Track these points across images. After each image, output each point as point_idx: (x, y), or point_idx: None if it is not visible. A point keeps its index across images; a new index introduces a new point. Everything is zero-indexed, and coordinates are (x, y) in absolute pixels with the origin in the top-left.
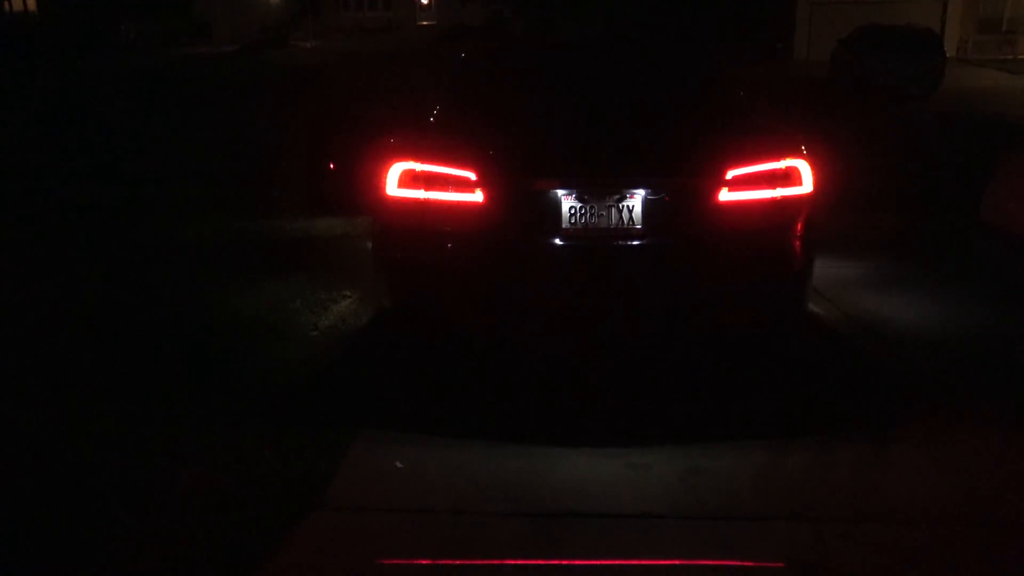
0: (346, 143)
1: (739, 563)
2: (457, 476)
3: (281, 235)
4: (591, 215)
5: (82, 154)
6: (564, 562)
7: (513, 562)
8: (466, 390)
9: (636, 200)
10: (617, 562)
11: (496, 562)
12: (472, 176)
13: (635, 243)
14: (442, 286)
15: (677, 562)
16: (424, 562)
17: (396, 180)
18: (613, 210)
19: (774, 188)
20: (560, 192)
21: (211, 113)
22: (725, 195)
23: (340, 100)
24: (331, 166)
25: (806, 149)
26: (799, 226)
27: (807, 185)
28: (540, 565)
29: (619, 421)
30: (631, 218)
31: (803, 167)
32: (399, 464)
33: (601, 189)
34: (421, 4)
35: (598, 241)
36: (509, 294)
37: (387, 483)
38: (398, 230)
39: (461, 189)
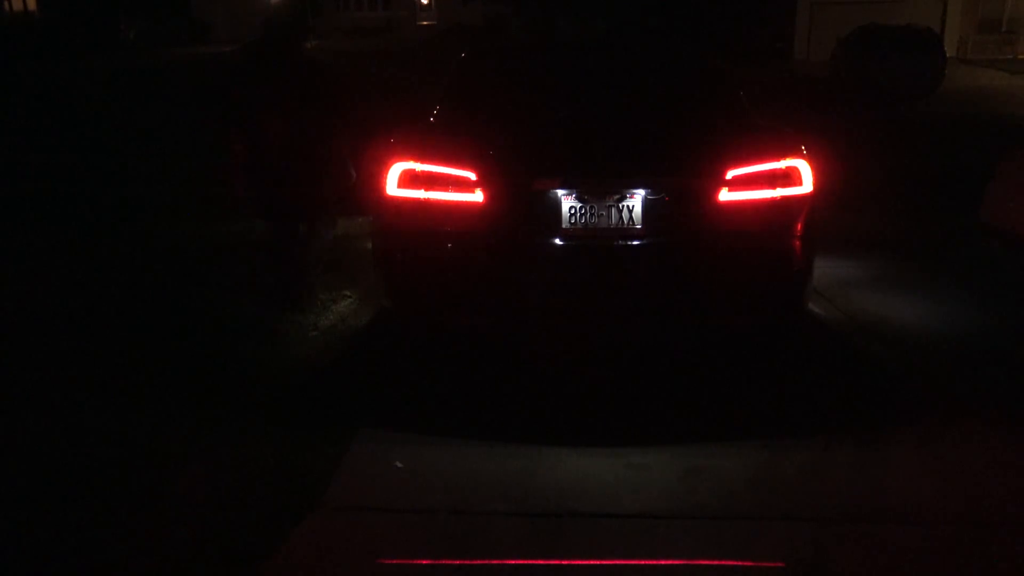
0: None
1: (739, 563)
2: (457, 476)
3: None
4: (591, 215)
5: (81, 153)
6: (564, 562)
7: (513, 562)
8: (466, 390)
9: (636, 200)
10: (617, 562)
11: (496, 562)
12: (472, 176)
13: (635, 243)
14: (442, 286)
15: (677, 562)
16: (424, 562)
17: (396, 180)
18: (613, 210)
19: (774, 188)
20: (560, 192)
21: (211, 112)
22: (725, 195)
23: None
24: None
25: (806, 149)
26: (799, 226)
27: (807, 185)
28: (540, 565)
29: (619, 421)
30: (631, 218)
31: (803, 167)
32: (399, 464)
33: (601, 189)
34: (421, 4)
35: (598, 241)
36: (509, 294)
37: (387, 483)
38: (398, 230)
39: (461, 189)
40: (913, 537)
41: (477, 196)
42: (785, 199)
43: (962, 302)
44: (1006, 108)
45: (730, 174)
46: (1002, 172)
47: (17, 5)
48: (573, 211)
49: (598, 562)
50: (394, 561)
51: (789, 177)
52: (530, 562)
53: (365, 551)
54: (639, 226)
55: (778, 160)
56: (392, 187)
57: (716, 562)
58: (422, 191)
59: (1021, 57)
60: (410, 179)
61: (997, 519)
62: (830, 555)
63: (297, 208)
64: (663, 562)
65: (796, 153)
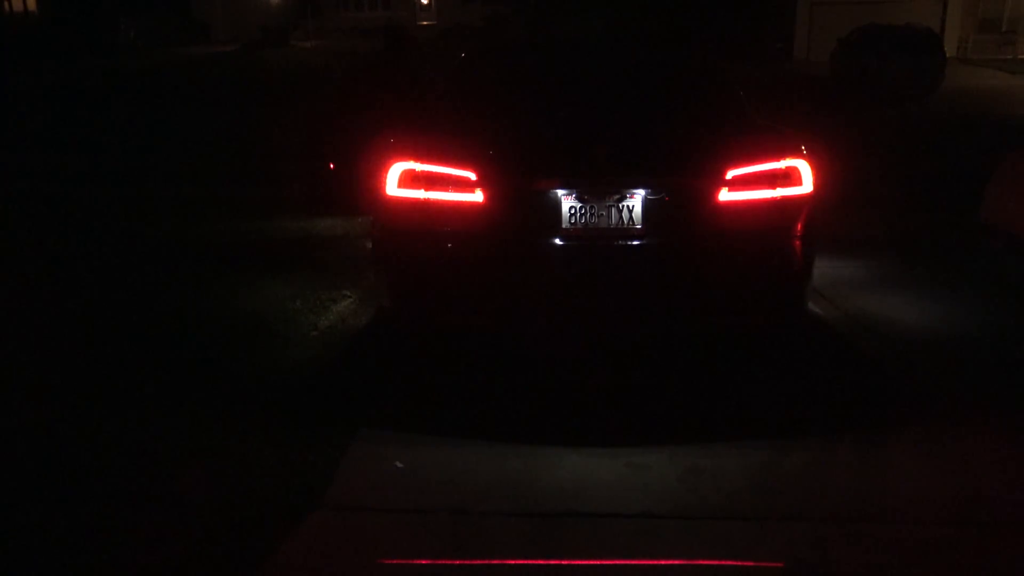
0: (346, 143)
1: (739, 563)
2: (457, 476)
3: (281, 235)
4: (591, 215)
5: (81, 154)
6: (564, 562)
7: (513, 562)
8: (466, 390)
9: (636, 200)
10: (617, 562)
11: (496, 562)
12: (472, 176)
13: (635, 243)
14: (442, 286)
15: (677, 562)
16: (424, 562)
17: (396, 180)
18: (613, 210)
19: (774, 188)
20: (560, 192)
21: (210, 113)
22: (725, 195)
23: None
24: (331, 166)
25: (806, 149)
26: (799, 226)
27: (807, 185)
28: (540, 565)
29: (619, 421)
30: (631, 218)
31: (803, 167)
32: (399, 464)
33: (601, 189)
34: (421, 4)
35: (598, 241)
36: (509, 294)
37: (387, 483)
38: (398, 230)
39: (461, 189)
40: (913, 537)
41: (477, 196)
42: (785, 199)
43: (962, 302)
44: (1006, 108)
45: (730, 174)
46: (1002, 172)
47: (17, 5)
48: (573, 211)
49: (598, 562)
50: (394, 561)
51: (789, 177)
52: (530, 562)
53: (365, 551)
54: (639, 226)
55: (778, 160)
56: (392, 187)
57: (716, 562)
58: (422, 191)
59: (1021, 57)
60: (410, 179)
61: (997, 519)
62: (830, 555)
63: None
64: (663, 562)
65: (796, 153)
